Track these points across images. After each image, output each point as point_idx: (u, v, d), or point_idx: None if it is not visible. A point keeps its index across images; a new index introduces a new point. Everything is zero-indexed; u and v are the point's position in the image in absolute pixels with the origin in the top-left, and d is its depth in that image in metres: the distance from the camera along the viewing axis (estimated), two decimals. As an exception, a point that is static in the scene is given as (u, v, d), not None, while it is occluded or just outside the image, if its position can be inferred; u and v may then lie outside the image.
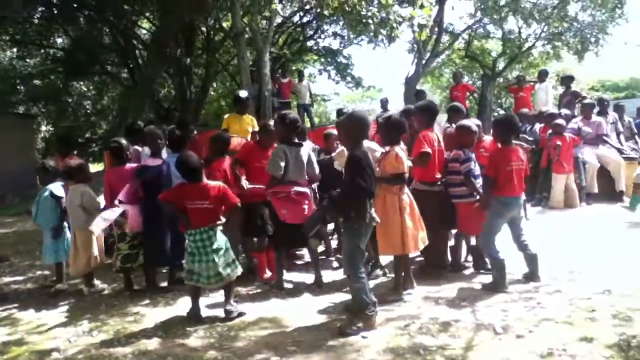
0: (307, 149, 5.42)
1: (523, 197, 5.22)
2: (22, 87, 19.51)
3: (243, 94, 8.03)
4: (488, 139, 7.11)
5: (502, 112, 20.65)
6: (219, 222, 4.57)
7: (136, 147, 6.43)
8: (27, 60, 19.59)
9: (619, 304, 4.16)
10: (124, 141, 5.71)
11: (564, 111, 8.94)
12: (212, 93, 21.59)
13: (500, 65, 21.00)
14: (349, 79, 22.05)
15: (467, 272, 5.52)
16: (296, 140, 5.31)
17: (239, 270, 4.70)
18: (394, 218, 4.63)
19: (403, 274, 4.89)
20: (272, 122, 5.85)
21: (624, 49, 23.36)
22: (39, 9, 13.82)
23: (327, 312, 4.54)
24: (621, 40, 19.72)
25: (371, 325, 4.06)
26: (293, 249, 6.34)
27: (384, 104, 14.06)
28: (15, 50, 18.41)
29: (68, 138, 8.16)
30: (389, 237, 4.65)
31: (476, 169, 5.39)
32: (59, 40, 18.64)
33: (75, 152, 8.24)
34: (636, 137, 9.96)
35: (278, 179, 5.09)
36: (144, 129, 6.86)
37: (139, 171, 5.49)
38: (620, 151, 8.97)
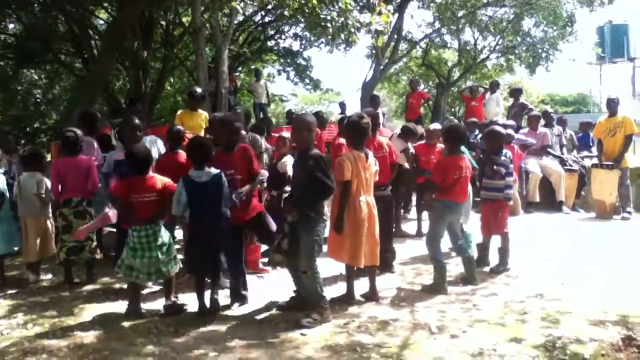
0: None
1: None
2: (-33, 72, 18.60)
3: (196, 90, 7.99)
4: (439, 146, 7.29)
5: (455, 120, 21.08)
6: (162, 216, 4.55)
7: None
8: (-26, 44, 18.76)
9: (549, 307, 4.36)
10: (79, 132, 5.63)
11: (509, 122, 9.23)
12: (169, 88, 21.21)
13: (455, 75, 21.51)
14: (307, 80, 22.09)
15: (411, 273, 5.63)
16: None
17: (178, 267, 4.66)
18: (347, 226, 4.40)
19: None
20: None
21: (573, 66, 24.36)
22: (-11, -8, 13.32)
23: (269, 309, 4.56)
24: (571, 57, 20.52)
25: (326, 318, 4.13)
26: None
27: (343, 107, 14.25)
28: (-40, 33, 17.56)
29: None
30: (341, 244, 4.47)
31: None
32: (11, 26, 17.96)
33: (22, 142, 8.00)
34: (576, 149, 10.44)
35: None
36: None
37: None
38: (562, 162, 9.32)
